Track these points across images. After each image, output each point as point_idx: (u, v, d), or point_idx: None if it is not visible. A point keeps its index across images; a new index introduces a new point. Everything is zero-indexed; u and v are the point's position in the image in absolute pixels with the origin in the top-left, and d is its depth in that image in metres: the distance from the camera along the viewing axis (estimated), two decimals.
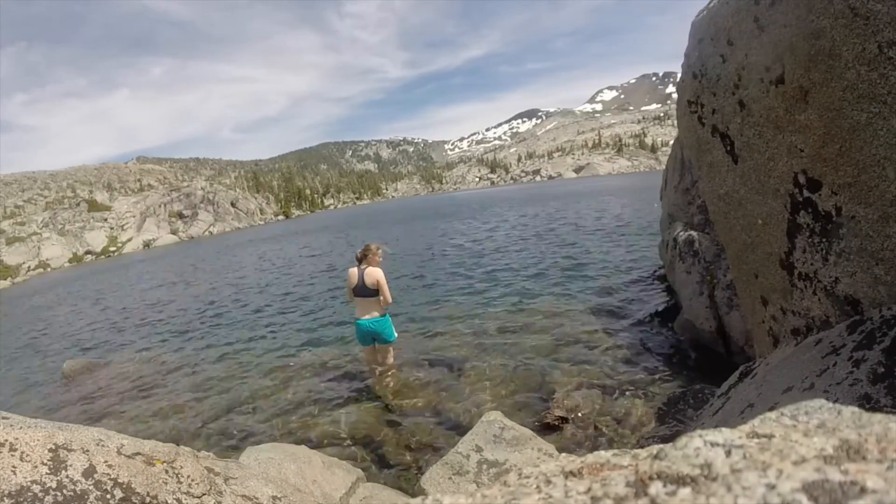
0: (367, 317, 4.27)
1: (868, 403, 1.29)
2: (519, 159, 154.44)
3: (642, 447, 0.50)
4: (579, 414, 3.34)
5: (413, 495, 2.63)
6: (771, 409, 0.56)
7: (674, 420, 3.00)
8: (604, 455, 0.47)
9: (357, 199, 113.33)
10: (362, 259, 4.29)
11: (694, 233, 4.57)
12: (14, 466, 1.36)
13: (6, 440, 1.42)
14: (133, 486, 1.51)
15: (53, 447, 1.47)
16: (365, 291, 4.20)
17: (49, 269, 47.28)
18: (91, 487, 1.43)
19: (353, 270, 4.28)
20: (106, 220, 62.84)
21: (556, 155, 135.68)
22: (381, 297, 4.20)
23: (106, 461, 1.53)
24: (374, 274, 4.16)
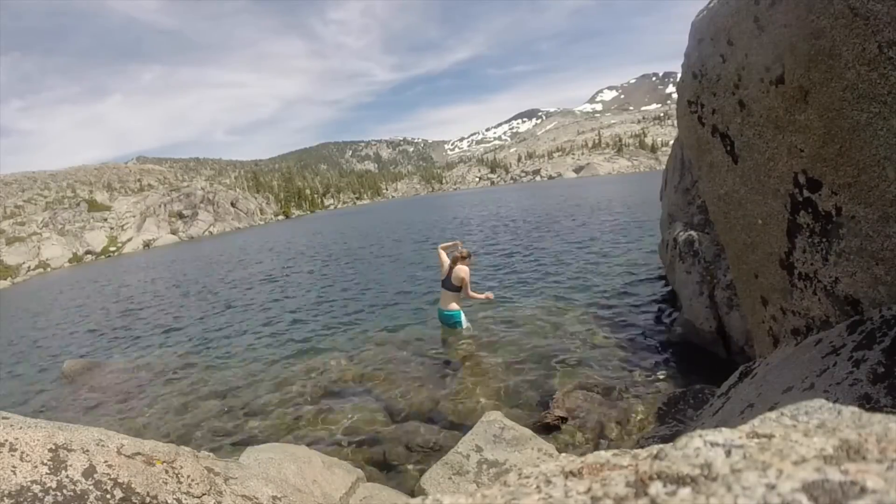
0: (443, 307, 5.02)
1: (868, 403, 1.29)
2: (519, 159, 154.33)
3: (642, 447, 0.50)
4: (579, 414, 3.34)
5: (413, 495, 2.63)
6: (771, 409, 0.56)
7: (674, 420, 3.00)
8: (604, 455, 0.47)
9: (357, 199, 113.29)
10: (458, 260, 4.87)
11: (694, 233, 4.57)
12: (14, 466, 1.36)
13: (6, 440, 1.42)
14: (133, 486, 1.51)
15: (53, 447, 1.47)
16: (449, 286, 4.87)
17: (49, 270, 47.22)
18: (91, 487, 1.43)
19: (447, 267, 4.90)
20: (106, 220, 62.76)
21: (556, 155, 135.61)
22: (463, 292, 4.83)
23: (106, 461, 1.53)
24: (461, 273, 4.77)
